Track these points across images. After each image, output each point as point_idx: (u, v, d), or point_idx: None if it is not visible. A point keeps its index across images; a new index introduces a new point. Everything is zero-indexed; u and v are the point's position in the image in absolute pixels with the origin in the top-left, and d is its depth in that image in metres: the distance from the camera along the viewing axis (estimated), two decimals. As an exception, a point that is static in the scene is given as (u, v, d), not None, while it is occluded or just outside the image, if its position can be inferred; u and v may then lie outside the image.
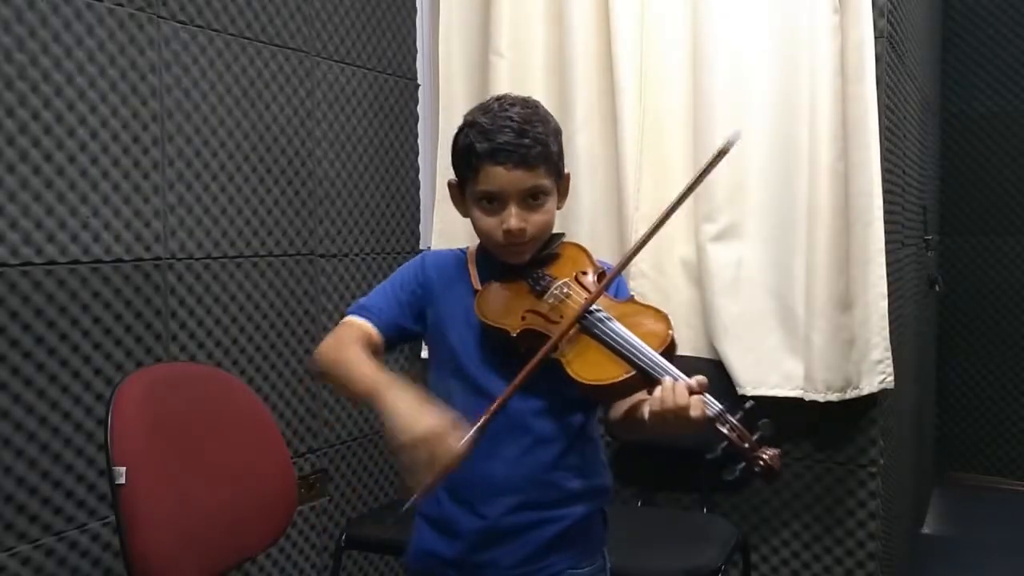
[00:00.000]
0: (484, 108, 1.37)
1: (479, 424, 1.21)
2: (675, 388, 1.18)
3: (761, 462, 1.17)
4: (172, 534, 1.56)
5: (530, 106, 1.37)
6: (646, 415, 1.24)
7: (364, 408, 2.56)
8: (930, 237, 3.58)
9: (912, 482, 3.23)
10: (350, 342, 1.35)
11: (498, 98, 1.38)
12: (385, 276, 2.61)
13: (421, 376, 1.42)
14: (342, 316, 1.44)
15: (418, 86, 2.84)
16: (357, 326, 1.38)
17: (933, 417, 4.27)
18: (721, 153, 1.26)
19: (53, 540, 1.76)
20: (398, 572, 2.72)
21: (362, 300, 1.44)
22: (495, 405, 1.24)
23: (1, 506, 1.67)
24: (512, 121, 1.32)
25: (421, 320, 1.43)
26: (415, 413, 1.18)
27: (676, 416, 1.18)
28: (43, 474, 1.74)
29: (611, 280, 1.34)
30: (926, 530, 3.75)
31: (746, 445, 1.18)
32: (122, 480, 1.50)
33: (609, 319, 1.30)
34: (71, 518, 1.80)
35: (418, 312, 1.42)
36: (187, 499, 1.61)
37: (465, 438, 1.17)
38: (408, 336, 1.45)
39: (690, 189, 1.29)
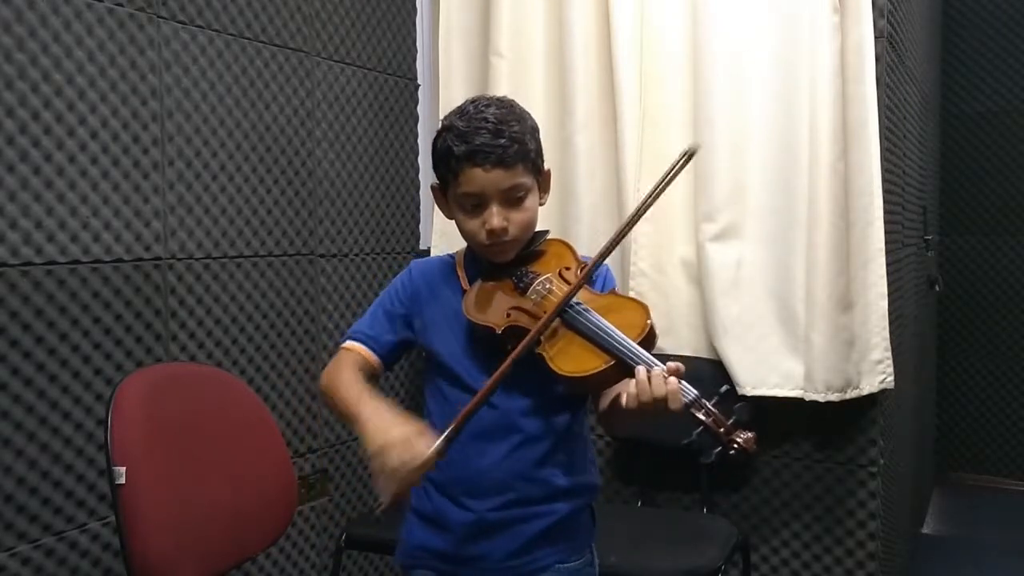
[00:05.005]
0: (460, 111, 1.39)
1: (448, 431, 1.23)
2: (651, 376, 1.20)
3: (736, 445, 1.20)
4: (172, 534, 1.56)
5: (505, 105, 1.38)
6: (624, 403, 1.25)
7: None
8: (930, 237, 3.58)
9: (912, 482, 3.23)
10: (345, 367, 1.41)
11: (473, 100, 1.40)
12: (385, 276, 2.64)
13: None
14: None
15: (418, 86, 2.84)
16: (354, 351, 1.44)
17: (933, 417, 4.26)
18: (686, 157, 1.30)
19: (53, 540, 1.76)
20: (398, 572, 2.71)
21: (357, 323, 1.48)
22: (470, 405, 1.25)
23: (1, 506, 1.67)
24: (487, 122, 1.33)
25: (413, 329, 1.46)
26: (385, 424, 1.23)
27: (653, 404, 1.20)
28: (43, 474, 1.74)
29: (587, 276, 1.35)
30: (926, 530, 3.75)
31: (721, 430, 1.20)
32: (122, 480, 1.50)
33: (589, 312, 1.31)
34: (71, 518, 1.80)
35: (409, 322, 1.46)
36: (187, 499, 1.61)
37: (434, 445, 1.20)
38: (407, 347, 1.49)
39: (655, 196, 1.32)
